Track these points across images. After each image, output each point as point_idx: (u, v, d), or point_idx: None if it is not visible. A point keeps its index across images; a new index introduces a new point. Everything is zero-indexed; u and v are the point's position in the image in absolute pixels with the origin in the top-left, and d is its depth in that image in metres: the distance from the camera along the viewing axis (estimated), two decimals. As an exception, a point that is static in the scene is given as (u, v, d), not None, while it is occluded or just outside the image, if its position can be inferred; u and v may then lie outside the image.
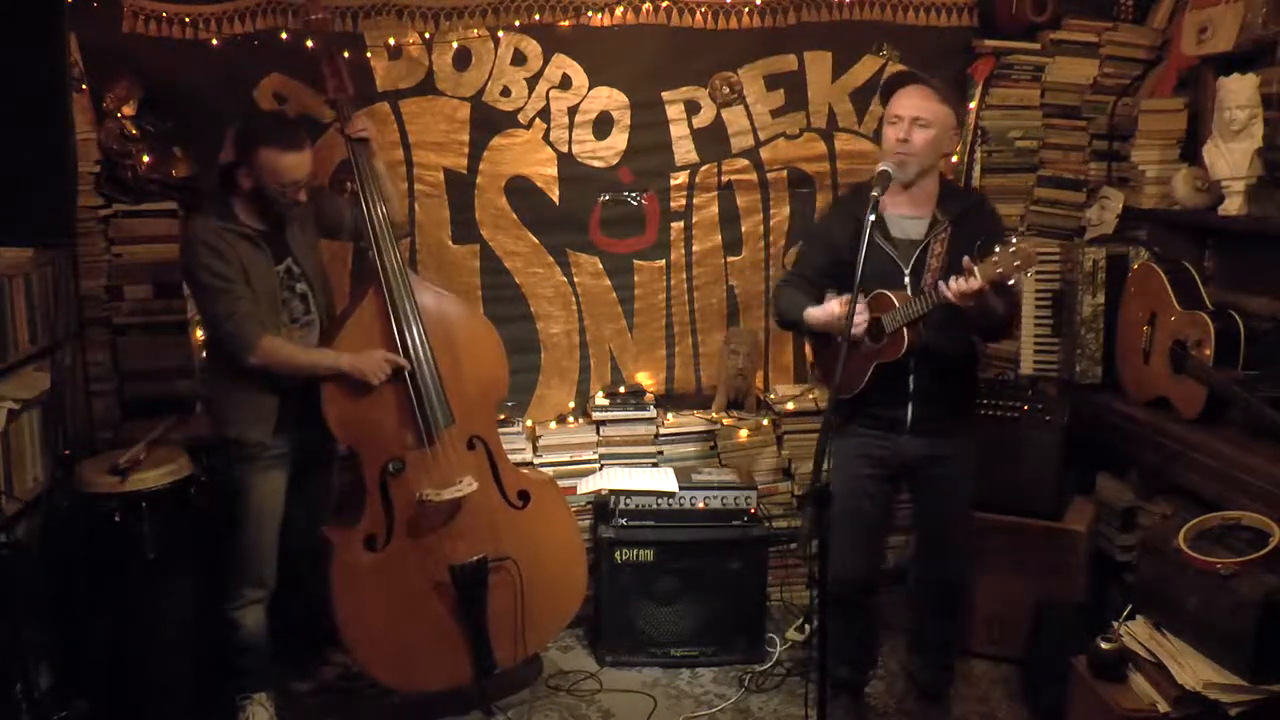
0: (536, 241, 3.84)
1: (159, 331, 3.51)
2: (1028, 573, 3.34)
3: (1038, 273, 3.70)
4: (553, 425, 3.92)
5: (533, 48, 3.69)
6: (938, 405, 2.77)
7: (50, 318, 3.18)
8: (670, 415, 3.94)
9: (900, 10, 3.81)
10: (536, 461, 3.75)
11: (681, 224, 3.91)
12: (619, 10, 3.67)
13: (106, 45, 3.38)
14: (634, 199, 3.86)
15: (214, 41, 3.47)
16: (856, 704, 3.12)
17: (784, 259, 3.96)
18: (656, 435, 3.85)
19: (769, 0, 3.74)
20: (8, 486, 2.80)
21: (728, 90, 3.80)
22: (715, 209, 3.92)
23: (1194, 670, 2.42)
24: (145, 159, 3.41)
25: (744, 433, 3.88)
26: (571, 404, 3.98)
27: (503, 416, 3.59)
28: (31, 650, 2.74)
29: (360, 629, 2.99)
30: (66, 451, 3.15)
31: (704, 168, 3.87)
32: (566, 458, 3.80)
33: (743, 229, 3.95)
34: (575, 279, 3.90)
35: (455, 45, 3.65)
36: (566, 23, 3.67)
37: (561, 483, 3.41)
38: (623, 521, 3.47)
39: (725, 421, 3.90)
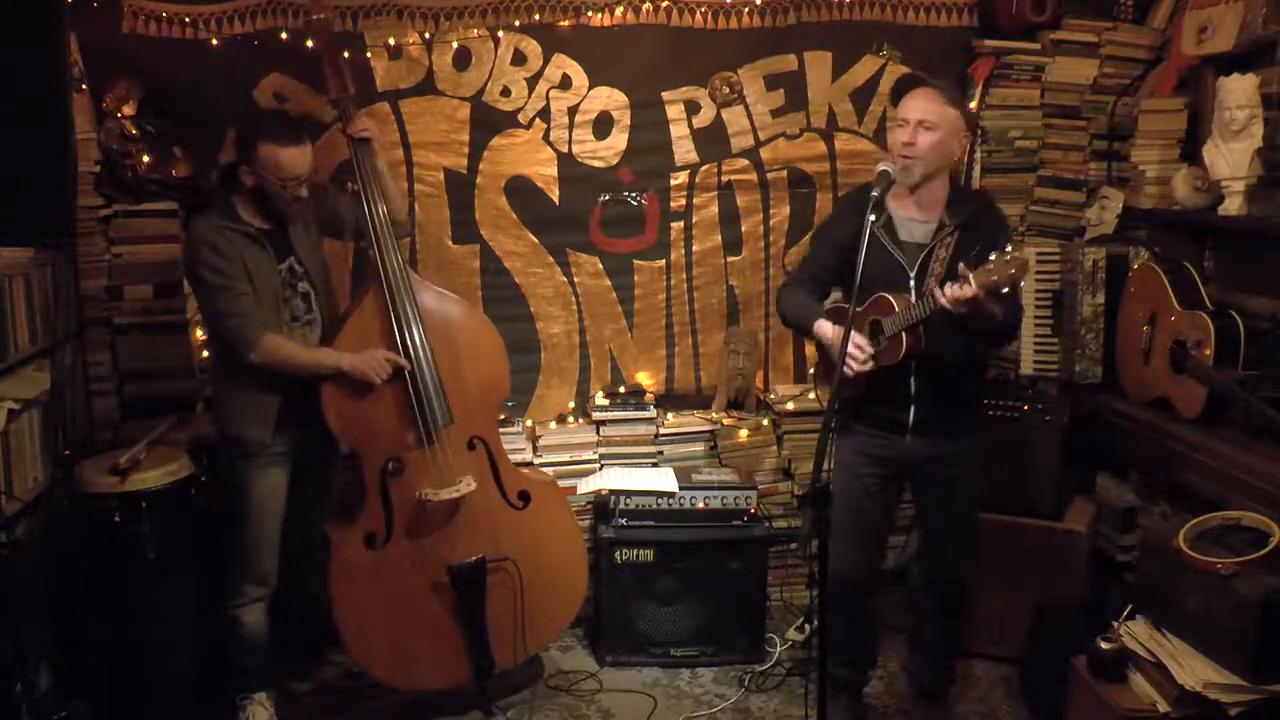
0: (536, 241, 3.84)
1: (159, 331, 3.51)
2: (1028, 573, 3.34)
3: (1038, 273, 3.70)
4: (553, 425, 3.92)
5: (533, 48, 3.69)
6: (940, 407, 2.77)
7: (50, 318, 3.18)
8: (670, 415, 3.94)
9: (900, 10, 3.81)
10: (536, 461, 3.75)
11: (681, 224, 3.92)
12: (619, 10, 3.68)
13: (106, 45, 3.38)
14: (634, 199, 3.86)
15: (214, 41, 3.47)
16: (856, 704, 3.12)
17: (784, 259, 3.96)
18: (656, 435, 3.85)
19: (769, 0, 3.74)
20: (8, 486, 2.80)
21: (728, 90, 3.80)
22: (715, 209, 3.92)
23: (1194, 670, 2.42)
24: (145, 159, 3.41)
25: (744, 433, 3.88)
26: (571, 404, 3.98)
27: (503, 416, 3.59)
28: (31, 650, 2.74)
29: (359, 627, 2.99)
30: (66, 451, 3.15)
31: (704, 168, 3.87)
32: (566, 458, 3.80)
33: (743, 229, 3.95)
34: (575, 279, 3.90)
35: (455, 45, 3.65)
36: (566, 23, 3.67)
37: (561, 483, 3.41)
38: (623, 521, 3.48)
39: (725, 421, 3.90)
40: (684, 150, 3.85)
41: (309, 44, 3.34)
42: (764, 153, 3.89)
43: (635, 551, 3.45)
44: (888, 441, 2.81)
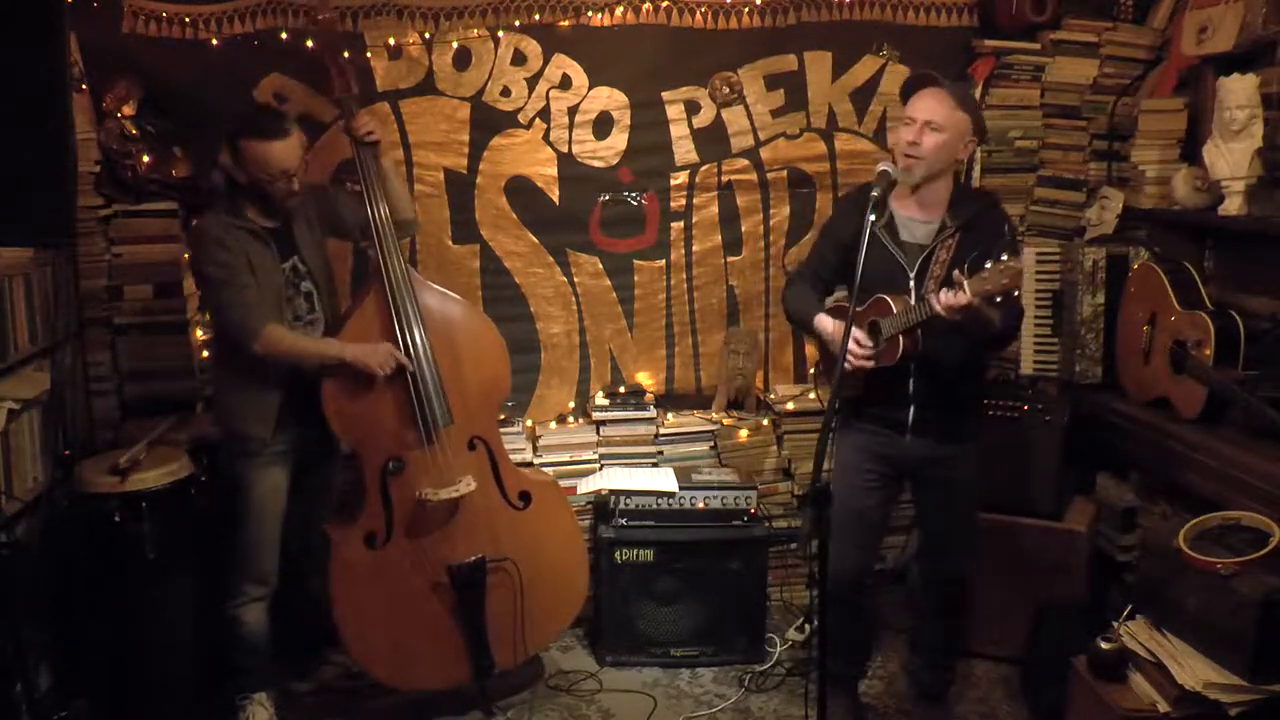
0: (536, 241, 3.84)
1: (159, 331, 3.51)
2: (1028, 573, 3.34)
3: (1038, 273, 3.70)
4: (553, 425, 3.92)
5: (533, 48, 3.69)
6: (939, 409, 2.77)
7: (50, 318, 3.18)
8: (670, 415, 3.94)
9: (900, 10, 3.81)
10: (536, 461, 3.75)
11: (681, 224, 3.92)
12: (619, 10, 3.67)
13: (106, 45, 3.38)
14: (634, 199, 3.86)
15: (214, 41, 3.47)
16: (852, 700, 3.12)
17: (784, 259, 3.96)
18: (656, 435, 3.85)
19: (769, 0, 3.74)
20: (8, 486, 2.80)
21: (728, 90, 3.80)
22: (715, 209, 3.92)
23: (1194, 670, 2.42)
24: (145, 159, 3.41)
25: (744, 433, 3.88)
26: (571, 404, 3.98)
27: (503, 417, 3.59)
28: (31, 650, 2.73)
29: (359, 627, 3.00)
30: (66, 451, 3.15)
31: (704, 168, 3.87)
32: (566, 458, 3.80)
33: (743, 229, 3.95)
34: (575, 279, 3.90)
35: (455, 45, 3.65)
36: (566, 23, 3.67)
37: (561, 483, 3.41)
38: (623, 521, 3.48)
39: (725, 421, 3.90)
40: (684, 150, 3.85)
41: (309, 44, 3.34)
42: (764, 153, 3.89)
43: (635, 551, 3.45)
44: (888, 440, 2.82)
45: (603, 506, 3.55)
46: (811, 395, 3.78)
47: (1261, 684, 2.32)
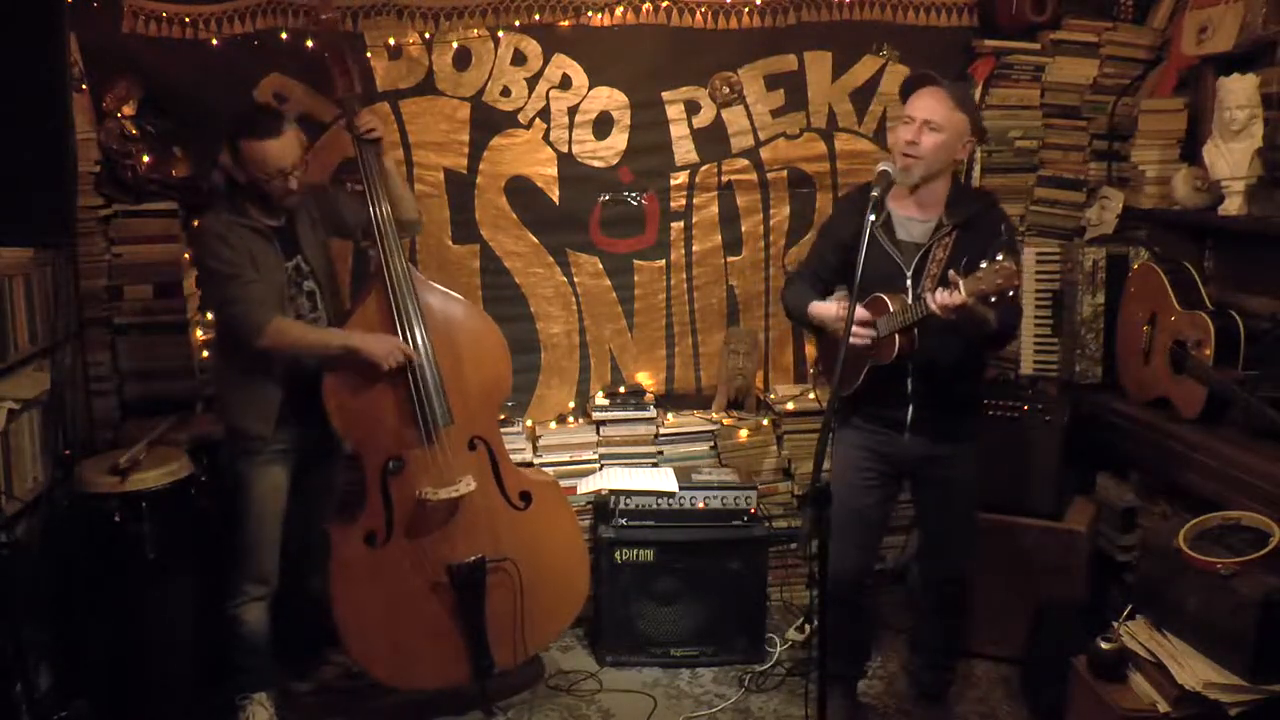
0: (536, 241, 3.84)
1: (159, 331, 3.52)
2: (1028, 573, 3.34)
3: (1038, 273, 3.71)
4: (553, 425, 3.92)
5: (533, 48, 3.69)
6: (937, 407, 2.77)
7: (50, 318, 3.18)
8: (670, 415, 3.94)
9: (900, 10, 3.80)
10: (537, 461, 3.75)
11: (681, 224, 3.91)
12: (619, 10, 3.67)
13: (106, 45, 3.38)
14: (634, 199, 3.86)
15: (214, 41, 3.47)
16: (851, 700, 3.12)
17: (784, 259, 3.96)
18: (656, 435, 3.85)
19: (769, 0, 3.74)
20: (8, 486, 2.80)
21: (728, 90, 3.80)
22: (715, 209, 3.92)
23: (1194, 670, 2.42)
24: (145, 159, 3.41)
25: (744, 433, 3.88)
26: (571, 404, 3.98)
27: (503, 416, 3.59)
28: (31, 650, 2.74)
29: (358, 626, 3.00)
30: (66, 451, 3.15)
31: (704, 168, 3.87)
32: (566, 458, 3.80)
33: (743, 229, 3.95)
34: (575, 279, 3.90)
35: (455, 45, 3.65)
36: (566, 23, 3.67)
37: (561, 483, 3.41)
38: (623, 521, 3.48)
39: (725, 421, 3.90)
40: (684, 150, 3.85)
41: (309, 44, 3.35)
42: (764, 153, 3.89)
43: (635, 551, 3.45)
44: (886, 439, 2.82)
45: (603, 506, 3.55)
46: (811, 395, 3.78)
47: (1261, 684, 2.32)
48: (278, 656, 3.12)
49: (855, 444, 2.85)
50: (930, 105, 2.67)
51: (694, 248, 3.94)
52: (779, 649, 3.55)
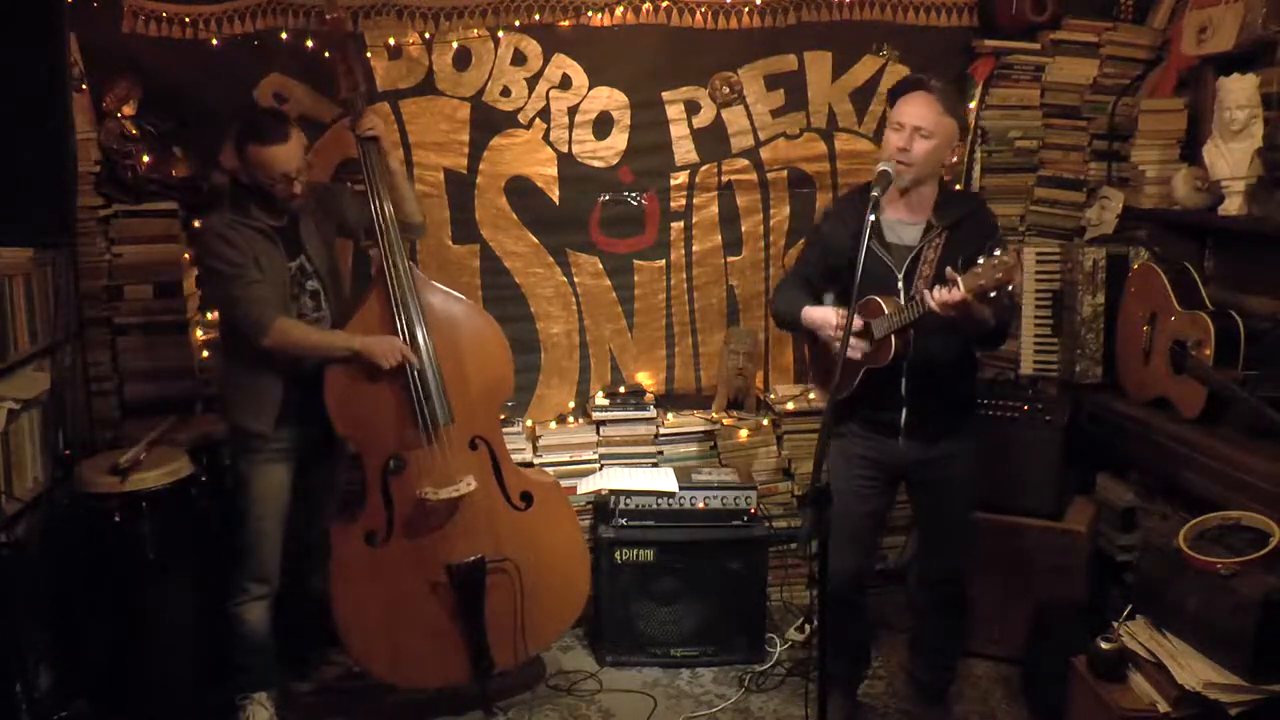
0: (536, 241, 3.84)
1: (159, 331, 3.52)
2: (1028, 573, 3.34)
3: (1038, 273, 3.71)
4: (553, 425, 3.92)
5: (533, 48, 3.69)
6: (932, 409, 2.77)
7: (50, 318, 3.18)
8: (670, 415, 3.94)
9: (900, 10, 3.80)
10: (537, 461, 3.75)
11: (681, 224, 3.91)
12: (619, 10, 3.67)
13: (106, 45, 3.38)
14: (634, 199, 3.86)
15: (214, 41, 3.47)
16: (851, 702, 3.13)
17: (784, 259, 3.96)
18: (656, 435, 3.86)
19: (769, 0, 3.74)
20: (8, 486, 2.80)
21: (728, 90, 3.80)
22: (715, 209, 3.92)
23: (1194, 670, 2.42)
24: (145, 159, 3.42)
25: (744, 433, 3.88)
26: (571, 404, 3.98)
27: (503, 416, 3.59)
28: (31, 650, 2.74)
29: (358, 624, 3.01)
30: (66, 451, 3.15)
31: (704, 168, 3.87)
32: (566, 458, 3.81)
33: (743, 229, 3.95)
34: (575, 279, 3.90)
35: (455, 45, 3.65)
36: (566, 23, 3.67)
37: (562, 483, 3.41)
38: (623, 521, 3.48)
39: (725, 421, 3.90)
40: (684, 150, 3.85)
41: (309, 44, 3.35)
42: (764, 153, 3.89)
43: (635, 551, 3.45)
44: (880, 444, 2.81)
45: (603, 506, 3.55)
46: (811, 395, 3.79)
47: (1261, 684, 2.32)
48: (278, 656, 3.12)
49: (847, 452, 2.84)
50: (920, 112, 2.67)
51: (694, 248, 3.94)
52: (779, 649, 3.55)
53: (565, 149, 3.78)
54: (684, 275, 3.96)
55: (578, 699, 3.31)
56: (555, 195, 3.81)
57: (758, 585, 3.51)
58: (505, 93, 3.71)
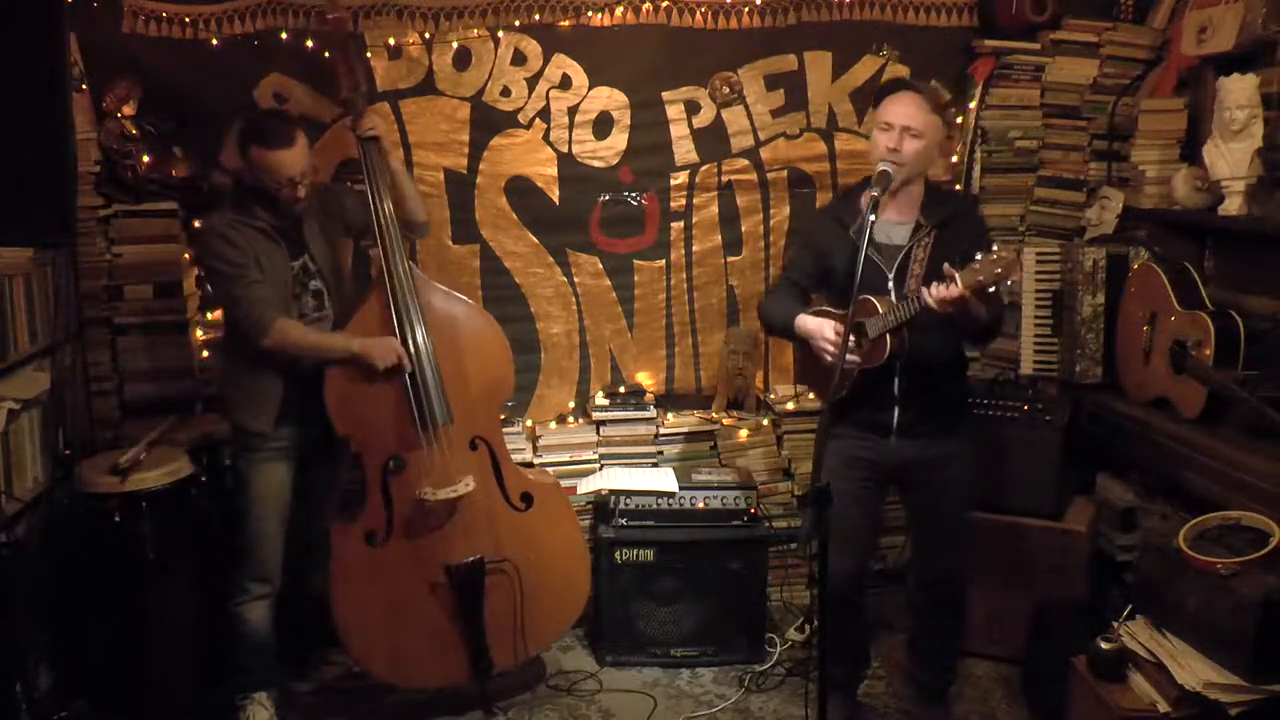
0: (536, 241, 3.84)
1: (159, 331, 3.52)
2: (1028, 572, 3.34)
3: (1038, 273, 3.71)
4: (553, 425, 3.92)
5: (533, 48, 3.69)
6: (925, 409, 2.78)
7: (50, 318, 3.18)
8: (670, 415, 3.94)
9: (900, 10, 3.80)
10: (537, 461, 3.75)
11: (681, 224, 3.91)
12: (619, 10, 3.67)
13: (106, 45, 3.38)
14: (634, 199, 3.86)
15: (214, 41, 3.47)
16: (850, 703, 3.12)
17: (784, 259, 3.96)
18: (656, 435, 3.86)
19: (769, 0, 3.74)
20: (8, 486, 2.80)
21: (728, 90, 3.80)
22: (715, 209, 3.92)
23: (1194, 670, 2.42)
24: (145, 159, 3.42)
25: (744, 433, 3.88)
26: (571, 404, 3.98)
27: (502, 416, 3.59)
28: (31, 650, 2.74)
29: (357, 624, 3.01)
30: (66, 451, 3.15)
31: (704, 168, 3.87)
32: (566, 458, 3.81)
33: (743, 229, 3.95)
34: (575, 279, 3.90)
35: (455, 45, 3.65)
36: (566, 23, 3.67)
37: (562, 482, 3.41)
38: (623, 521, 3.48)
39: (725, 421, 3.90)
40: (684, 150, 3.85)
41: (309, 44, 3.35)
42: (764, 153, 3.89)
43: (635, 551, 3.45)
44: (874, 444, 2.82)
45: (603, 506, 3.55)
46: (811, 395, 3.79)
47: (1261, 684, 2.32)
48: (279, 656, 3.12)
49: (840, 453, 2.84)
50: (909, 112, 2.68)
51: (694, 248, 3.94)
52: (779, 649, 3.55)
53: (565, 149, 3.78)
54: (684, 275, 3.96)
55: (578, 699, 3.31)
56: (555, 195, 3.81)
57: (758, 585, 3.51)
58: (505, 93, 3.71)
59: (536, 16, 3.64)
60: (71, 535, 2.93)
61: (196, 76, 3.47)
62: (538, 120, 3.74)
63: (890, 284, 2.73)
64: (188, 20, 3.46)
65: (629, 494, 3.49)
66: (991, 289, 2.42)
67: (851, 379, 2.72)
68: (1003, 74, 3.81)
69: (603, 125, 3.79)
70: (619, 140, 3.80)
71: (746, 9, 3.74)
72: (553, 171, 3.79)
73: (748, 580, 3.48)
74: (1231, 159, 3.09)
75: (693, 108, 3.82)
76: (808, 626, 3.59)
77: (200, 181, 3.50)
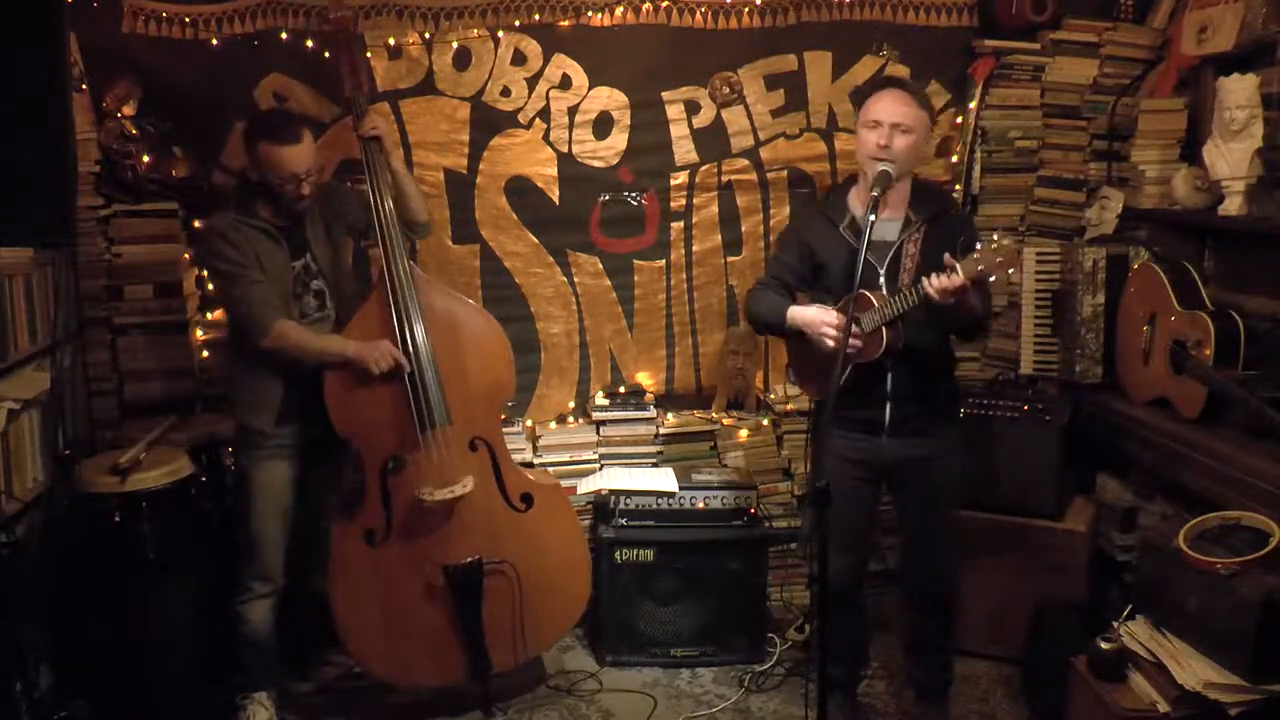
0: (536, 241, 3.84)
1: (159, 331, 3.52)
2: (1028, 573, 3.34)
3: (1038, 273, 3.71)
4: (553, 425, 3.92)
5: (533, 48, 3.69)
6: (916, 406, 2.79)
7: (50, 318, 3.18)
8: (670, 415, 3.94)
9: (900, 10, 3.80)
10: (536, 462, 3.75)
11: (681, 224, 3.91)
12: (619, 10, 3.67)
13: (106, 45, 3.38)
14: (634, 199, 3.86)
15: (214, 41, 3.47)
16: (850, 702, 3.13)
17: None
18: (656, 435, 3.86)
19: (769, 0, 3.73)
20: (8, 486, 2.80)
21: (728, 90, 3.80)
22: (715, 209, 3.92)
23: (1194, 670, 2.42)
24: (145, 159, 3.41)
25: (744, 433, 3.88)
26: (571, 404, 3.98)
27: (503, 417, 3.59)
28: (31, 650, 2.74)
29: (356, 622, 3.01)
30: (66, 451, 3.14)
31: (704, 168, 3.87)
32: (566, 458, 3.81)
33: (743, 229, 3.95)
34: (575, 279, 3.90)
35: (455, 45, 3.64)
36: (566, 23, 3.67)
37: (562, 482, 3.41)
38: (623, 521, 3.48)
39: (725, 421, 3.90)
40: (684, 150, 3.84)
41: (310, 44, 3.34)
42: (764, 153, 3.89)
43: (635, 551, 3.45)
44: (865, 443, 2.82)
45: (603, 506, 3.55)
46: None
47: (1261, 684, 2.32)
48: (279, 656, 3.12)
49: (838, 451, 2.85)
50: (897, 108, 2.69)
51: (694, 248, 3.94)
52: (779, 649, 3.55)
53: (565, 149, 3.78)
54: (684, 275, 3.96)
55: (578, 699, 3.31)
56: (555, 195, 3.81)
57: (758, 585, 3.52)
58: (505, 93, 3.71)
59: (536, 16, 3.64)
60: (71, 535, 2.93)
61: (196, 76, 3.47)
62: (538, 120, 3.74)
63: (882, 279, 2.75)
64: (188, 20, 3.45)
65: (629, 494, 3.49)
66: (992, 278, 2.43)
67: (846, 372, 2.72)
68: (1003, 74, 3.81)
69: (603, 125, 3.78)
70: (619, 140, 3.79)
71: (746, 9, 3.74)
72: (553, 171, 3.79)
73: (748, 580, 3.49)
74: (1231, 159, 3.09)
75: (693, 108, 3.82)
76: (808, 626, 3.59)
77: (200, 181, 3.50)
